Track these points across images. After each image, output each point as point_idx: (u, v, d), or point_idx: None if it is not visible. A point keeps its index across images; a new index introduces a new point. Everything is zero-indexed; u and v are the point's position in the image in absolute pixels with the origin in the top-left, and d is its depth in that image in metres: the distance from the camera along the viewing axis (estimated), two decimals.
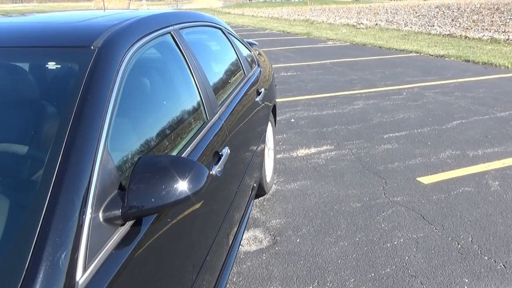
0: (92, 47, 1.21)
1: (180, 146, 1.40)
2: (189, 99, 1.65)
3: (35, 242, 0.79)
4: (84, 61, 1.15)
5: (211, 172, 1.51)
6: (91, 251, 0.86)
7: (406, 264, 2.32)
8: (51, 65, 1.20)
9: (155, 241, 1.08)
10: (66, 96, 1.06)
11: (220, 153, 1.64)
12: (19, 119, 1.13)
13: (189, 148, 1.42)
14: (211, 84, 1.89)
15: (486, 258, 2.36)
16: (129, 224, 1.00)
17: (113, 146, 1.06)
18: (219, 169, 1.59)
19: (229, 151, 1.72)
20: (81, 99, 1.04)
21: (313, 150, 4.03)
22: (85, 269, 0.83)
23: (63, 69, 1.19)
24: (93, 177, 0.93)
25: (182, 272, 1.24)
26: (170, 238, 1.18)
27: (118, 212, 0.94)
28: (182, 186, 1.02)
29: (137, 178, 0.98)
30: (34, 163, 1.00)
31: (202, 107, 1.69)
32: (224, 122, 1.81)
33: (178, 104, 1.57)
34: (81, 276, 0.82)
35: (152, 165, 1.02)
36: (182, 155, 1.36)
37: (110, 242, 0.92)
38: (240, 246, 2.53)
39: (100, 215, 0.92)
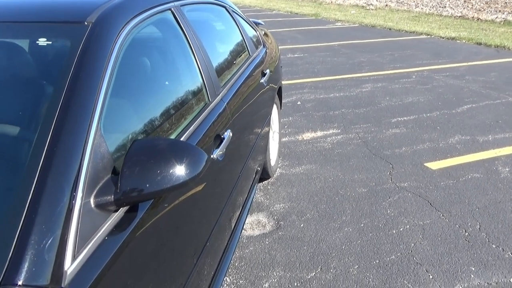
0: (86, 23, 1.14)
1: (180, 129, 1.35)
2: (190, 79, 1.59)
3: (20, 229, 0.75)
4: (77, 38, 1.09)
5: (212, 156, 1.45)
6: (82, 239, 0.82)
7: (411, 251, 2.28)
8: (42, 41, 1.13)
9: (152, 226, 1.04)
10: (57, 74, 1.00)
11: (222, 136, 1.58)
12: (6, 98, 1.08)
13: (188, 131, 1.36)
14: (213, 64, 1.82)
15: (494, 246, 2.31)
16: (123, 210, 0.95)
17: (106, 128, 1.01)
18: (221, 152, 1.54)
19: (231, 134, 1.66)
20: (73, 77, 0.98)
21: (319, 133, 3.96)
22: (74, 257, 0.79)
23: (55, 45, 1.13)
24: (84, 161, 0.88)
25: (181, 256, 1.21)
26: (168, 223, 1.14)
27: (110, 197, 0.89)
28: (179, 171, 0.96)
29: (131, 162, 0.93)
30: (21, 144, 0.95)
31: (203, 88, 1.62)
32: (226, 104, 1.74)
33: (178, 85, 1.51)
34: (70, 265, 0.78)
35: (147, 148, 0.97)
36: (181, 139, 1.30)
37: (102, 229, 0.88)
38: (243, 231, 2.50)
39: (92, 200, 0.87)
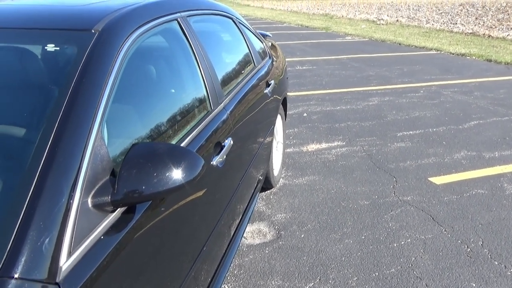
0: (93, 31, 1.19)
1: (180, 135, 1.38)
2: (193, 88, 1.63)
3: (19, 225, 0.78)
4: (83, 45, 1.14)
5: (212, 163, 1.48)
6: (78, 237, 0.85)
7: (412, 265, 2.27)
8: (50, 47, 1.19)
9: (148, 228, 1.07)
10: (62, 79, 1.05)
11: (223, 144, 1.61)
12: (12, 100, 1.12)
13: (189, 137, 1.39)
14: (217, 74, 1.86)
15: (496, 263, 2.29)
16: (120, 211, 0.98)
17: (108, 132, 1.05)
18: (221, 159, 1.56)
19: (232, 142, 1.69)
20: (77, 82, 1.02)
21: (324, 145, 3.98)
22: (69, 254, 0.82)
23: (62, 52, 1.18)
24: (84, 162, 0.92)
25: (177, 259, 1.23)
26: (165, 226, 1.16)
27: (108, 198, 0.92)
28: (176, 174, 0.99)
29: (130, 164, 0.96)
30: (24, 144, 0.99)
31: (206, 97, 1.66)
32: (229, 112, 1.78)
33: (180, 93, 1.55)
34: (65, 261, 0.81)
35: (146, 152, 1.00)
36: (181, 145, 1.34)
37: (99, 229, 0.91)
38: (244, 239, 2.51)
39: (89, 200, 0.91)
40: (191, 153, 1.05)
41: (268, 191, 3.07)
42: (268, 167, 2.74)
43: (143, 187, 0.94)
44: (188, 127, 1.45)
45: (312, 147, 3.94)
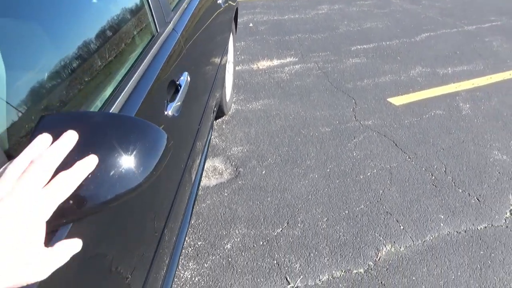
0: None
1: (117, 78, 0.92)
2: (129, 2, 1.11)
3: None
4: None
5: (167, 113, 1.06)
6: None
7: (380, 199, 2.14)
8: None
9: (90, 228, 0.68)
10: None
11: (177, 83, 1.17)
12: None
13: (131, 82, 0.93)
14: None
15: (460, 191, 2.24)
16: None
17: None
18: (178, 103, 1.14)
19: (189, 79, 1.25)
20: None
21: (275, 62, 3.58)
22: None
23: None
24: None
25: (143, 239, 0.89)
26: (116, 215, 0.78)
27: None
28: (126, 163, 0.59)
29: None
30: None
31: (149, 15, 1.16)
32: (180, 35, 1.30)
33: (112, 10, 1.03)
34: None
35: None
36: (121, 96, 0.88)
37: None
38: None
39: None
40: (146, 126, 0.63)
41: (220, 120, 2.70)
42: (222, 94, 2.33)
43: (70, 201, 0.53)
44: (127, 64, 0.98)
45: (263, 64, 3.53)
